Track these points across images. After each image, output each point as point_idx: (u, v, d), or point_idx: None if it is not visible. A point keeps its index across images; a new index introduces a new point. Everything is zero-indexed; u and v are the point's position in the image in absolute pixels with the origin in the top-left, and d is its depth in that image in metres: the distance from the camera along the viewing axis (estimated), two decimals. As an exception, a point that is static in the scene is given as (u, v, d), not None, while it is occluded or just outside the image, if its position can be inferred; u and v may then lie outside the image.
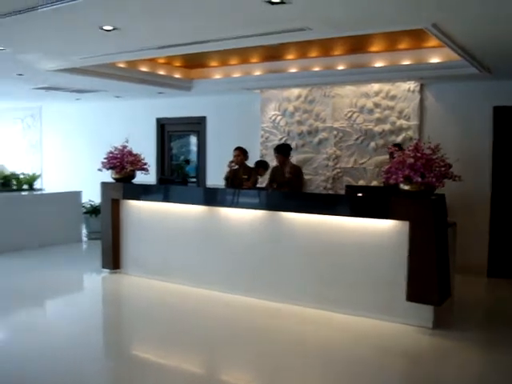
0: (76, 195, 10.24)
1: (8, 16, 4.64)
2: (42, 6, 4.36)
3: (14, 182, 10.09)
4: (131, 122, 11.09)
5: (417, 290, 5.38)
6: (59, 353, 4.80)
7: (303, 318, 5.84)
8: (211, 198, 7.02)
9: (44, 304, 6.67)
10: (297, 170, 7.78)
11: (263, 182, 8.29)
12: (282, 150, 7.76)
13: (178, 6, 4.53)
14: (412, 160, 5.31)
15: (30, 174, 10.56)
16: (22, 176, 10.26)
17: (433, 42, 6.82)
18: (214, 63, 8.98)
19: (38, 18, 4.72)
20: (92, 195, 10.11)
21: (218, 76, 9.22)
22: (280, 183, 7.62)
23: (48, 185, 11.73)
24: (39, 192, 10.25)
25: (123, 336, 5.56)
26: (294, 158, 8.97)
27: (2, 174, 10.14)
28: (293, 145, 8.95)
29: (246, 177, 7.59)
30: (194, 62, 8.88)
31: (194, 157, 11.02)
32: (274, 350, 4.92)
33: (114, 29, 5.20)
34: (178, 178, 10.36)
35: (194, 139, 11.00)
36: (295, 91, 9.13)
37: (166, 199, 7.30)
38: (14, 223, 9.14)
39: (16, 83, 8.89)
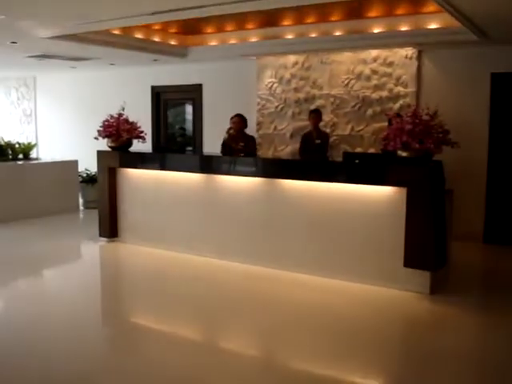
0: (72, 164, 10.20)
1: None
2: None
3: (10, 152, 10.00)
4: (127, 91, 10.98)
5: (414, 256, 5.41)
6: (58, 321, 4.84)
7: (302, 284, 5.89)
8: (209, 165, 6.99)
9: (42, 273, 6.69)
10: (326, 136, 8.27)
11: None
12: (319, 113, 8.20)
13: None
14: (410, 126, 5.30)
15: (25, 143, 10.48)
16: (17, 146, 10.17)
17: (431, 7, 6.74)
18: (210, 30, 8.86)
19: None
20: (88, 164, 10.07)
21: (214, 43, 9.10)
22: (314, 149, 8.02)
23: (44, 154, 11.66)
24: (35, 161, 10.19)
25: (122, 304, 5.61)
26: (291, 126, 8.96)
27: (-3, 144, 10.05)
28: (289, 113, 8.97)
29: (242, 144, 7.55)
30: (190, 29, 8.76)
31: (189, 126, 10.96)
32: (272, 314, 4.98)
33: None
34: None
35: (189, 108, 10.91)
36: (292, 58, 9.03)
37: (163, 167, 7.27)
38: (11, 193, 9.13)
39: (9, 51, 8.76)
